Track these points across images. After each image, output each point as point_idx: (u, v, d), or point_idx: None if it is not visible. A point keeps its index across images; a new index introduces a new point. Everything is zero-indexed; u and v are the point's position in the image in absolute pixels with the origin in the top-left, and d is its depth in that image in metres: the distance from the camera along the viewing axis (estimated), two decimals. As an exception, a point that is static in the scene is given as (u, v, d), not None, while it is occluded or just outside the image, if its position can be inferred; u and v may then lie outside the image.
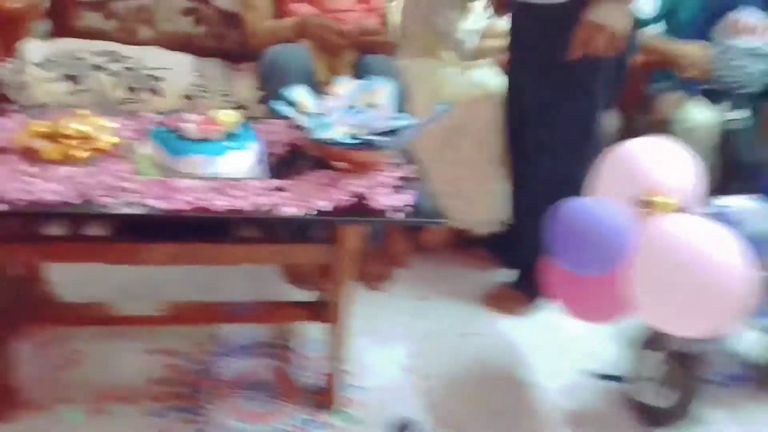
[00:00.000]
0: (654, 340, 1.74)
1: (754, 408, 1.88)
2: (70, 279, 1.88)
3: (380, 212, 1.45)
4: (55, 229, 1.51)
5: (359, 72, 2.07)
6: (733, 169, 2.33)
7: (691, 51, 2.41)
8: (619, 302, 1.66)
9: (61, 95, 2.02)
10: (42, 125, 1.50)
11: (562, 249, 1.62)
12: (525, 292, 2.18)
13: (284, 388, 1.78)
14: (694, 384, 1.64)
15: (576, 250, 1.59)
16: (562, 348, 2.04)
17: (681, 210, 1.55)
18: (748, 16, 2.46)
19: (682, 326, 1.50)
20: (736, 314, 1.43)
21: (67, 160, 1.46)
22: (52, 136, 1.48)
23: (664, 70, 2.52)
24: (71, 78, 2.03)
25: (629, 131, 2.53)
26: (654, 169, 1.62)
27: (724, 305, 1.42)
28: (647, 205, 1.54)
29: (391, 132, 1.54)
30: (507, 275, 2.29)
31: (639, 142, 1.74)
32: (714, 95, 2.52)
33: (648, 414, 1.77)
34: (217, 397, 1.73)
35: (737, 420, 1.82)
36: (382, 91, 1.65)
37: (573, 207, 1.61)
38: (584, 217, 1.57)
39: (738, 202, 1.60)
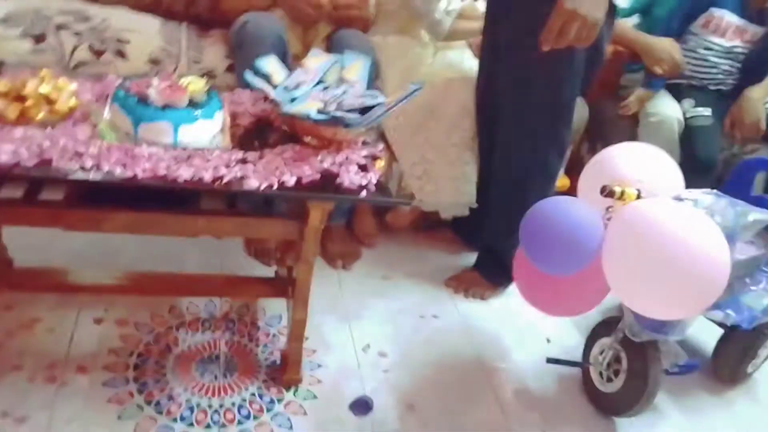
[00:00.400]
0: (607, 328, 1.77)
1: (700, 397, 1.93)
2: (25, 243, 1.83)
3: (348, 190, 1.43)
4: (10, 192, 1.46)
5: (333, 46, 2.04)
6: (693, 163, 2.36)
7: (662, 46, 2.42)
8: (586, 300, 1.68)
9: (22, 53, 1.95)
10: (1, 84, 1.45)
11: (532, 250, 1.63)
12: (488, 276, 2.19)
13: (242, 363, 1.76)
14: (644, 372, 1.66)
15: (545, 252, 1.60)
16: (520, 333, 2.06)
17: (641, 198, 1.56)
18: (721, 16, 2.49)
19: (653, 308, 1.51)
20: (706, 295, 1.44)
21: (25, 120, 1.42)
22: (11, 96, 1.43)
23: (635, 62, 2.54)
24: (34, 36, 1.97)
25: (598, 120, 2.55)
26: (632, 173, 1.63)
27: (698, 287, 1.43)
28: (610, 195, 1.54)
29: (363, 109, 1.52)
30: (471, 259, 2.30)
31: (619, 147, 1.75)
32: (680, 91, 2.55)
33: (600, 399, 1.80)
34: (173, 369, 1.71)
35: (684, 408, 1.87)
36: (355, 67, 1.63)
37: (543, 209, 1.61)
38: (554, 220, 1.57)
39: (696, 195, 1.61)
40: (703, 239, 1.42)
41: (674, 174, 1.70)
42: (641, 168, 1.65)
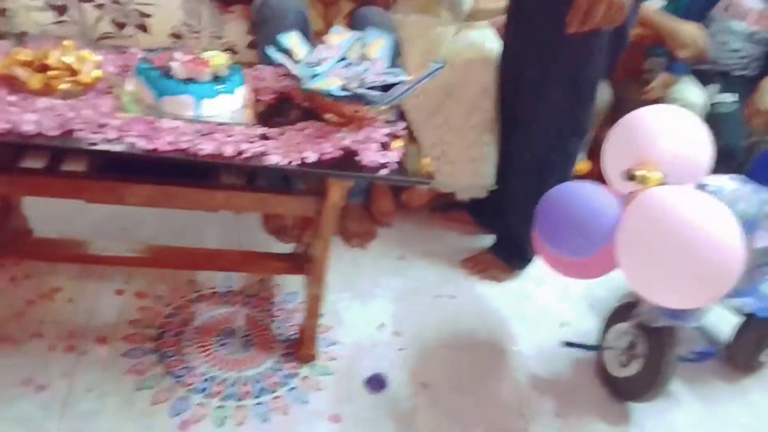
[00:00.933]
0: (624, 312, 1.76)
1: (715, 384, 1.92)
2: (46, 214, 1.85)
3: (368, 168, 1.43)
4: (32, 162, 1.47)
5: (355, 23, 2.03)
6: (718, 150, 2.34)
7: (687, 30, 2.39)
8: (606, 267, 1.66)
9: (45, 24, 1.96)
10: (25, 54, 1.45)
11: (548, 235, 1.62)
12: (504, 258, 2.19)
13: (258, 338, 1.78)
14: (659, 358, 1.66)
15: (561, 236, 1.59)
16: (535, 316, 2.05)
17: (665, 184, 1.54)
18: (742, 0, 2.45)
19: (668, 297, 1.50)
20: (722, 286, 1.43)
21: (48, 91, 1.42)
22: (35, 66, 1.44)
23: (659, 46, 2.50)
24: (56, 7, 1.97)
25: (621, 105, 2.53)
26: (659, 139, 1.61)
27: (711, 277, 1.42)
28: (632, 179, 1.53)
29: (384, 87, 1.51)
30: (487, 240, 2.29)
31: (649, 110, 1.72)
32: (705, 76, 2.52)
33: (614, 384, 1.80)
34: (190, 341, 1.72)
35: (700, 395, 1.86)
36: (378, 44, 1.62)
37: (559, 193, 1.60)
38: (570, 204, 1.56)
39: (720, 181, 1.60)
40: (717, 230, 1.41)
41: (702, 138, 1.68)
42: (669, 132, 1.63)
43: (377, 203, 2.33)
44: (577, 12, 1.60)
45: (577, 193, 1.59)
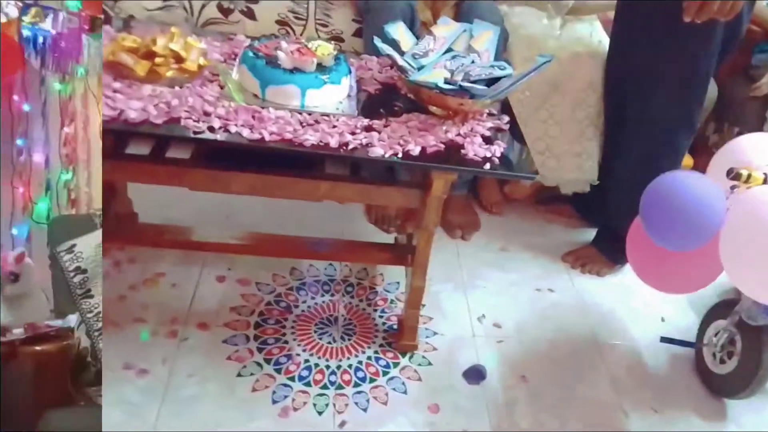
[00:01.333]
0: (723, 310, 1.74)
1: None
2: (150, 200, 1.87)
3: (472, 162, 1.40)
4: (137, 148, 1.49)
5: (462, 15, 1.98)
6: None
7: None
8: (703, 277, 1.62)
9: (151, 9, 1.99)
10: (130, 40, 1.47)
11: (653, 224, 1.57)
12: (606, 253, 2.14)
13: (359, 327, 1.78)
14: (758, 356, 1.61)
15: (667, 226, 1.53)
16: (635, 311, 2.01)
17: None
18: None
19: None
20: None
21: (154, 78, 1.44)
22: (141, 53, 1.46)
23: (767, 43, 2.37)
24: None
25: (726, 100, 2.42)
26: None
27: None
28: (736, 177, 1.48)
29: (490, 81, 1.47)
30: (590, 234, 2.24)
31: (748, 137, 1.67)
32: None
33: (712, 381, 1.76)
34: (292, 329, 1.74)
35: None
36: (484, 37, 1.59)
37: (666, 183, 1.54)
38: (677, 194, 1.50)
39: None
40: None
41: None
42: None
43: (486, 193, 2.33)
44: (692, 2, 1.55)
45: (684, 182, 1.53)
